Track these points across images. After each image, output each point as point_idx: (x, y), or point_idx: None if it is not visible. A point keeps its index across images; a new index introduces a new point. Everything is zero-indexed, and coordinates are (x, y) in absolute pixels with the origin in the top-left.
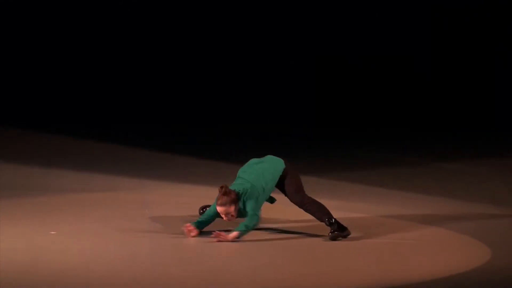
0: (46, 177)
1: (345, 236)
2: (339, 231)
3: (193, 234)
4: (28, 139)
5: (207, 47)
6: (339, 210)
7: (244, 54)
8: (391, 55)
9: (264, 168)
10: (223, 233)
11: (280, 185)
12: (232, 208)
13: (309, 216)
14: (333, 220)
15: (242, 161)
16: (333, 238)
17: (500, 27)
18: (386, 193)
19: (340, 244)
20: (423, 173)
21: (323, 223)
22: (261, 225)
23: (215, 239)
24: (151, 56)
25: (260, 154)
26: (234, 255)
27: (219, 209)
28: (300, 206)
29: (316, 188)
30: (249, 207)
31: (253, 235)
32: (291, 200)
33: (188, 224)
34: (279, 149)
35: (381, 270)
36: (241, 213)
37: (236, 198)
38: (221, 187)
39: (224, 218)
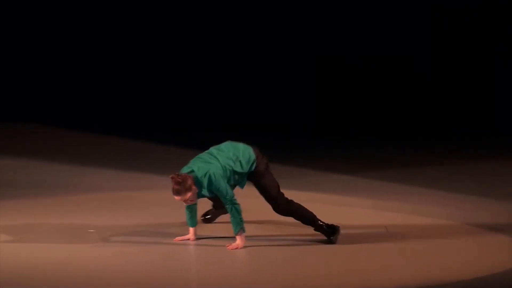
0: (83, 176)
1: (337, 233)
2: (331, 233)
3: (191, 238)
4: (64, 138)
5: (208, 47)
6: (375, 209)
7: (245, 54)
8: (391, 55)
9: (233, 151)
10: (233, 244)
11: (254, 178)
12: (188, 195)
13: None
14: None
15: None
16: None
17: (500, 27)
18: (422, 192)
19: (379, 244)
20: (458, 172)
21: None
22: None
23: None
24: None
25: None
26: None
27: (176, 198)
28: (276, 208)
29: (351, 187)
30: (220, 192)
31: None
32: (267, 200)
33: (177, 238)
34: (284, 148)
35: (419, 270)
36: (207, 192)
37: (191, 184)
38: (172, 177)
39: (185, 204)
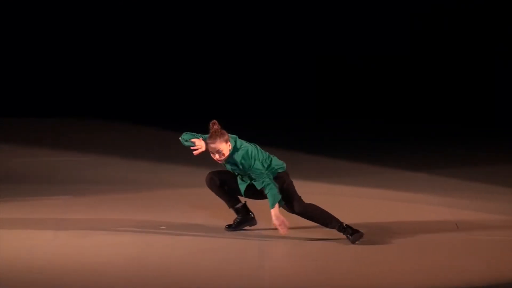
0: (157, 172)
1: (359, 235)
2: (351, 233)
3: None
4: (140, 134)
5: (210, 46)
6: (445, 207)
7: (248, 52)
8: (390, 55)
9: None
10: (280, 220)
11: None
12: (222, 146)
13: None
14: (344, 225)
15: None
16: (354, 241)
17: (500, 27)
18: (495, 190)
19: (448, 241)
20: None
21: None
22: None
23: (283, 230)
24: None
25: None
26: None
27: (210, 146)
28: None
29: (425, 184)
30: (255, 169)
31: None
32: (293, 210)
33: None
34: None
35: (491, 268)
36: (236, 166)
37: (228, 139)
38: (213, 123)
39: (214, 157)
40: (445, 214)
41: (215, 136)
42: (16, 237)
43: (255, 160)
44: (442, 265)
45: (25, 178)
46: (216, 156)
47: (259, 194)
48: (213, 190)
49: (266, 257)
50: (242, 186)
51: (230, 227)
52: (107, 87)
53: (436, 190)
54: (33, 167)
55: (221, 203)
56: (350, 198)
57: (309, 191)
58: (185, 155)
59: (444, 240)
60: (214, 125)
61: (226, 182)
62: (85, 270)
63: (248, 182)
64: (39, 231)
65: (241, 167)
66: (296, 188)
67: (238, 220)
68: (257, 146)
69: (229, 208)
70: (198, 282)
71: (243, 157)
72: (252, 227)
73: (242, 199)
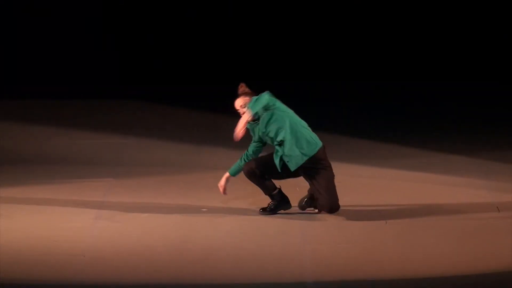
0: (198, 154)
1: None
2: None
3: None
4: (179, 117)
5: None
6: (490, 190)
7: None
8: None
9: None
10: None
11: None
12: (242, 100)
13: None
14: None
15: None
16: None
17: None
18: None
19: (490, 224)
20: None
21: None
22: None
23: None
24: None
25: None
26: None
27: (237, 102)
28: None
29: (467, 167)
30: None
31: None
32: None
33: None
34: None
35: None
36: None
37: (251, 95)
38: (241, 86)
39: (242, 112)
40: (486, 197)
41: (242, 91)
42: (58, 219)
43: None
44: (484, 249)
45: (66, 160)
46: (240, 111)
47: (293, 173)
48: (252, 181)
49: (307, 240)
50: (278, 161)
51: (264, 211)
52: (148, 70)
53: (478, 173)
54: (74, 149)
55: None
56: (392, 182)
57: (354, 173)
58: (225, 137)
59: (485, 223)
60: (241, 88)
61: (265, 171)
62: (127, 253)
63: (280, 153)
64: (81, 214)
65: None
66: (342, 170)
67: (274, 204)
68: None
69: (266, 195)
70: (240, 264)
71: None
72: (286, 211)
73: (277, 183)
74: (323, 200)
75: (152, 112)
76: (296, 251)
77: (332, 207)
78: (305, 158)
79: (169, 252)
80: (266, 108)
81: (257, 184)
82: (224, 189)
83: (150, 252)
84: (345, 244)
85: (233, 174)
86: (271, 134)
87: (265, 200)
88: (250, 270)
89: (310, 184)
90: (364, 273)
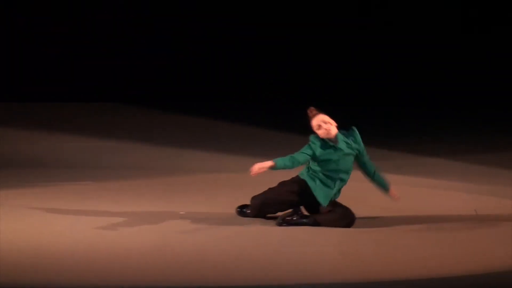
0: (178, 158)
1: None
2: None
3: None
4: (159, 120)
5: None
6: (468, 193)
7: None
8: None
9: None
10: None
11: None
12: (327, 117)
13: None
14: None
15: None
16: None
17: None
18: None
19: (470, 227)
20: None
21: None
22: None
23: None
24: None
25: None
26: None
27: (317, 119)
28: None
29: (445, 170)
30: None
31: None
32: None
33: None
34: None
35: (508, 253)
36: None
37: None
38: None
39: (321, 131)
40: (464, 200)
41: (316, 112)
42: (38, 223)
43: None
44: (461, 251)
45: (45, 163)
46: (324, 128)
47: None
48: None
49: (289, 243)
50: (323, 194)
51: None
52: (127, 72)
53: (456, 176)
54: (53, 152)
55: (241, 189)
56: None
57: None
58: (205, 140)
59: (463, 225)
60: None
61: (274, 209)
62: (106, 257)
63: (335, 188)
64: (60, 217)
65: (357, 145)
66: None
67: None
68: None
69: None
70: (219, 268)
71: (354, 133)
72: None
73: None
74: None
75: (132, 115)
76: (278, 254)
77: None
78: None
79: (147, 256)
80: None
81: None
82: (257, 172)
83: (128, 256)
84: (328, 247)
85: (277, 168)
86: (346, 167)
87: (247, 202)
88: (230, 273)
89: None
90: (343, 276)
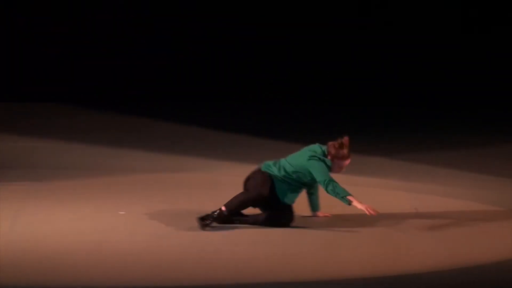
0: (115, 157)
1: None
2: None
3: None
4: (96, 119)
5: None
6: (408, 192)
7: None
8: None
9: None
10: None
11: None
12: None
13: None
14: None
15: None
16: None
17: None
18: (453, 174)
19: (409, 225)
20: (490, 154)
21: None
22: None
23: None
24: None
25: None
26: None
27: (348, 162)
28: None
29: (384, 168)
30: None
31: None
32: None
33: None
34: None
35: (450, 252)
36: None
37: None
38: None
39: (340, 171)
40: (405, 199)
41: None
42: None
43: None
44: (403, 250)
45: None
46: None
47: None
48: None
49: (225, 241)
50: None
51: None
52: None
53: (396, 175)
54: None
55: (179, 188)
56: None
57: None
58: (144, 140)
59: (404, 225)
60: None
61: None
62: (45, 257)
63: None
64: None
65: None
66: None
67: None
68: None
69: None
70: (155, 266)
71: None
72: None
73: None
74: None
75: (70, 114)
76: (213, 252)
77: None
78: None
79: (87, 257)
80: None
81: (239, 206)
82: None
83: (68, 255)
84: (263, 246)
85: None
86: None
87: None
88: (166, 272)
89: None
90: (275, 275)
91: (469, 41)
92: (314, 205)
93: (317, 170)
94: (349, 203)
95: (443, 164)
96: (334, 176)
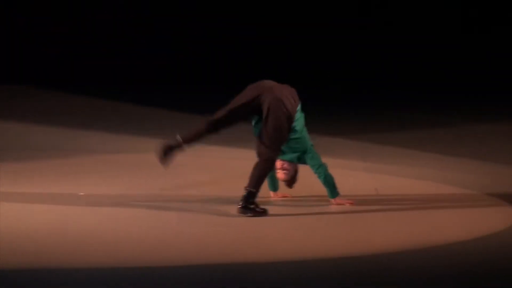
0: (76, 138)
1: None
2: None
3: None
4: (58, 100)
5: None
6: (368, 172)
7: None
8: None
9: None
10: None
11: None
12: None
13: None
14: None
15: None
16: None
17: None
18: (417, 155)
19: (367, 207)
20: (455, 135)
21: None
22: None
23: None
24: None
25: None
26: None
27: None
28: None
29: (345, 150)
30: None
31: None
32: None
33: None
34: None
35: (407, 233)
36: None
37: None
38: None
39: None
40: (365, 179)
41: None
42: None
43: None
44: (362, 231)
45: None
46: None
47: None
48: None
49: (184, 224)
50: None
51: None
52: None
53: (356, 155)
54: None
55: (141, 169)
56: None
57: (232, 156)
58: (105, 121)
59: (363, 205)
60: None
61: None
62: (6, 238)
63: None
64: None
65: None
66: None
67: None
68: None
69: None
70: (114, 249)
71: None
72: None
73: None
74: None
75: (34, 96)
76: (176, 235)
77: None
78: None
79: (45, 239)
80: None
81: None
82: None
83: (28, 237)
84: (221, 228)
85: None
86: None
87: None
88: (125, 254)
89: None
90: (232, 257)
91: (469, 41)
92: (274, 184)
93: (316, 154)
94: (337, 195)
95: (404, 145)
96: None
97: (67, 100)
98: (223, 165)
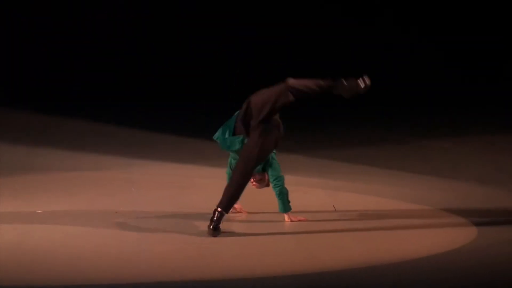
0: (32, 156)
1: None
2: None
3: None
4: (14, 118)
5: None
6: (325, 189)
7: None
8: None
9: None
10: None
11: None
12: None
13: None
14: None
15: None
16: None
17: None
18: (372, 172)
19: (327, 223)
20: (408, 151)
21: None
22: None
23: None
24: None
25: None
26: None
27: None
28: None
29: (303, 166)
30: None
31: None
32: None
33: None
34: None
35: (367, 250)
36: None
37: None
38: None
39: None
40: (323, 196)
41: None
42: None
43: None
44: (321, 248)
45: None
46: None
47: None
48: None
49: (143, 241)
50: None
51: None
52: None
53: (314, 172)
54: None
55: (98, 187)
56: (218, 181)
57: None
58: (62, 139)
59: (323, 223)
60: None
61: None
62: None
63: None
64: None
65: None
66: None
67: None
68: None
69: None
70: (76, 265)
71: None
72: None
73: None
74: None
75: None
76: (132, 252)
77: None
78: None
79: (3, 255)
80: None
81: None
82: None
83: None
84: (183, 245)
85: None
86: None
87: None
88: (86, 270)
89: None
90: (194, 274)
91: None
92: None
93: (277, 165)
94: (289, 210)
95: (362, 162)
96: None
97: (20, 118)
98: (181, 182)
